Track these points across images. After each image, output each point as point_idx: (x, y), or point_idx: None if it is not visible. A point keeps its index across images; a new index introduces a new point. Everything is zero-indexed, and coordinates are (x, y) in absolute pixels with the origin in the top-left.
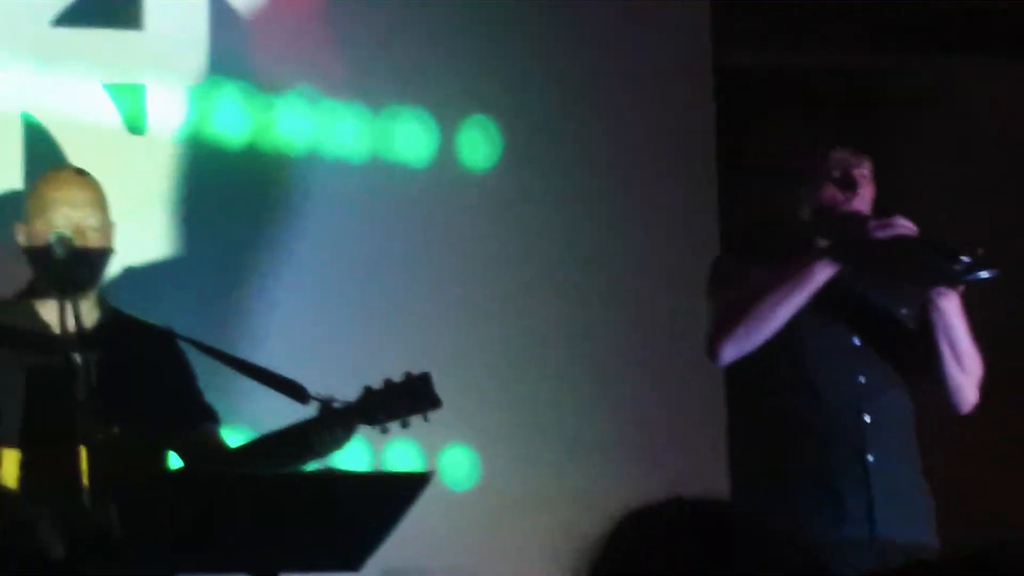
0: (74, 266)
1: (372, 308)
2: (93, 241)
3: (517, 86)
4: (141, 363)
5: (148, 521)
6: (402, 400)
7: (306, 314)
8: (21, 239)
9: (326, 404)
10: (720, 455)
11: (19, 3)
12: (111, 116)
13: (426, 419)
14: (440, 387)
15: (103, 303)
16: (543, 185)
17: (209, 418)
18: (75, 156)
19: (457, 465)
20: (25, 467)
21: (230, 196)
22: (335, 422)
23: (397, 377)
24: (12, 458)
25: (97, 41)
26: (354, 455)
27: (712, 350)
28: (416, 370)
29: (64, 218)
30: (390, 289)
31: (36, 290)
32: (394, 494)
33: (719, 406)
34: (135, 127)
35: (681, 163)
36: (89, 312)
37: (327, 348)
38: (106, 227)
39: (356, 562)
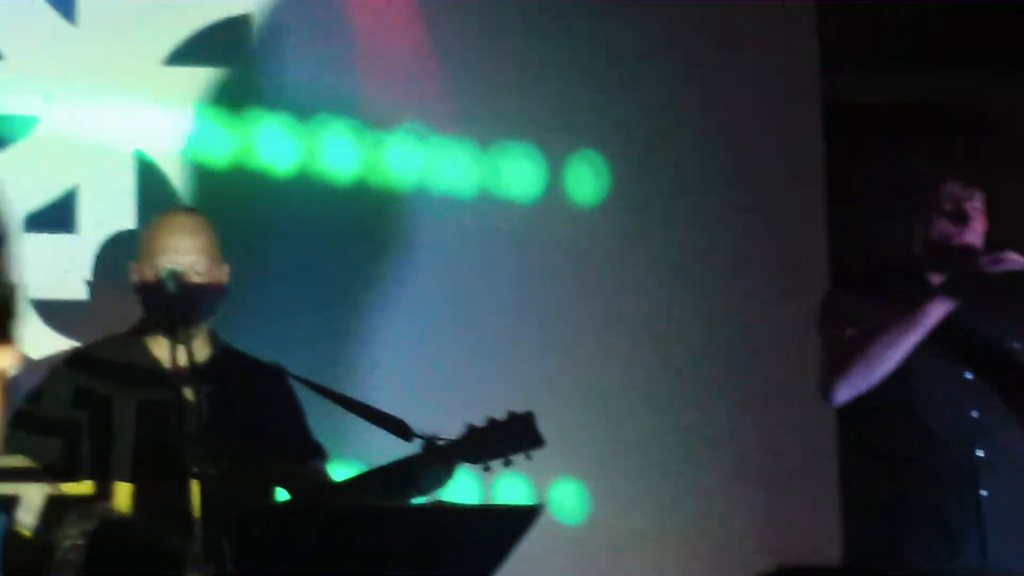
0: (184, 302)
1: (479, 343)
2: (203, 279)
3: (624, 120)
4: (251, 399)
5: (260, 554)
6: (505, 439)
7: (413, 350)
8: (134, 278)
9: (430, 441)
10: (832, 490)
11: (131, 42)
12: (223, 153)
13: (528, 458)
14: (549, 421)
15: (214, 339)
16: (651, 220)
17: (317, 454)
18: (186, 192)
19: (567, 499)
20: (137, 500)
21: (339, 232)
22: (438, 459)
23: (501, 415)
24: (124, 492)
25: (207, 78)
26: (464, 488)
27: (827, 391)
28: (524, 406)
29: (173, 264)
30: (498, 324)
31: (147, 327)
32: (504, 527)
33: (831, 440)
34: (246, 163)
35: (790, 197)
36: (200, 348)
37: (435, 383)
38: (215, 268)
39: None
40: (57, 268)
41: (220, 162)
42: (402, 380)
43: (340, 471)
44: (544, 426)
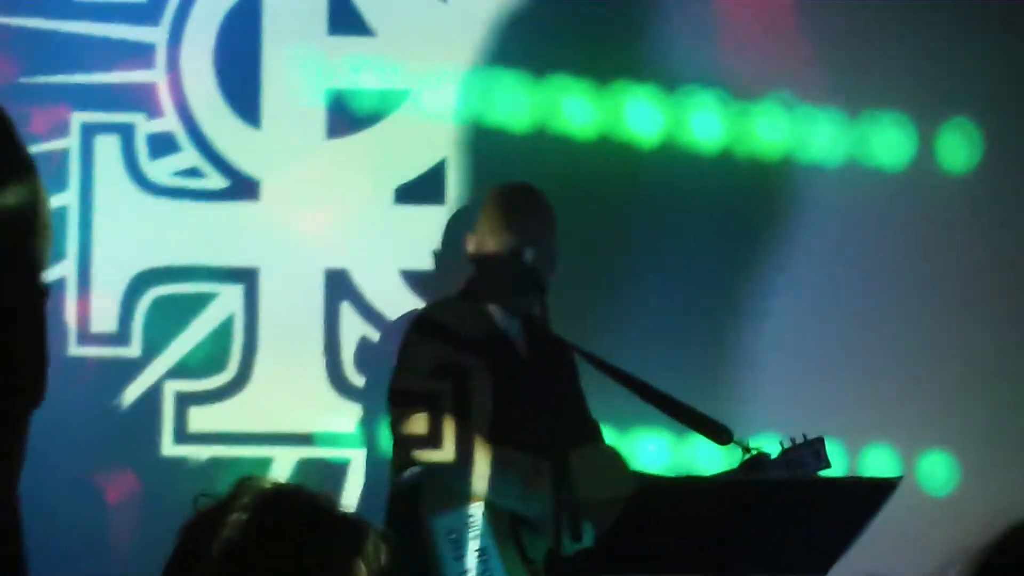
0: (535, 277)
1: (844, 313)
2: (546, 255)
3: (1000, 87)
4: (562, 373)
5: (623, 527)
6: (808, 459)
7: (783, 321)
8: (472, 248)
9: (759, 456)
10: None
11: (497, 16)
12: (589, 125)
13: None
14: (918, 390)
15: (542, 311)
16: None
17: (599, 435)
18: (526, 166)
19: (936, 470)
20: (495, 464)
21: (704, 204)
22: (761, 471)
23: (799, 437)
24: (483, 456)
25: (573, 51)
26: (832, 458)
27: None
28: (888, 377)
29: (523, 240)
30: (864, 293)
31: (482, 296)
32: (862, 499)
33: None
34: (614, 135)
35: None
36: (525, 321)
37: (805, 351)
38: (554, 245)
39: (824, 566)
40: (427, 239)
41: (587, 133)
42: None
43: None
44: (912, 396)
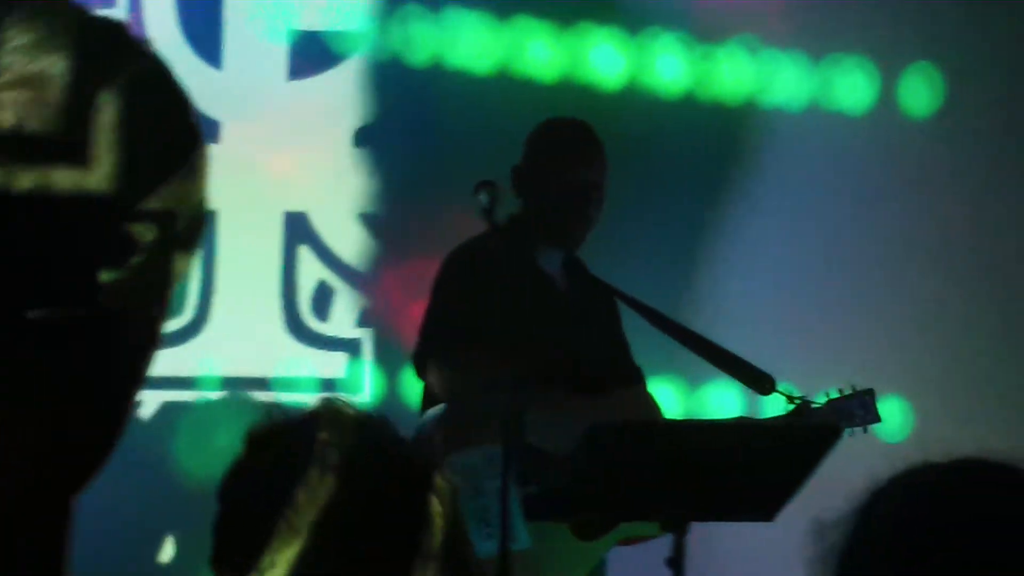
0: (592, 215)
1: (806, 258)
2: (603, 196)
3: (962, 32)
4: (600, 313)
5: (575, 469)
6: (853, 411)
7: (742, 262)
8: (527, 182)
9: (805, 404)
10: None
11: None
12: (551, 67)
13: (865, 431)
14: (876, 337)
15: (575, 255)
16: (986, 131)
17: (641, 378)
18: (490, 106)
19: (891, 415)
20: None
21: (667, 147)
22: (810, 421)
23: (846, 388)
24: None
25: None
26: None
27: None
28: (846, 323)
29: (587, 174)
30: (826, 236)
31: (526, 231)
32: (808, 444)
33: None
34: (577, 77)
35: None
36: (568, 261)
37: (768, 295)
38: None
39: (771, 510)
40: (385, 182)
41: (549, 75)
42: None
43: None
44: (869, 341)
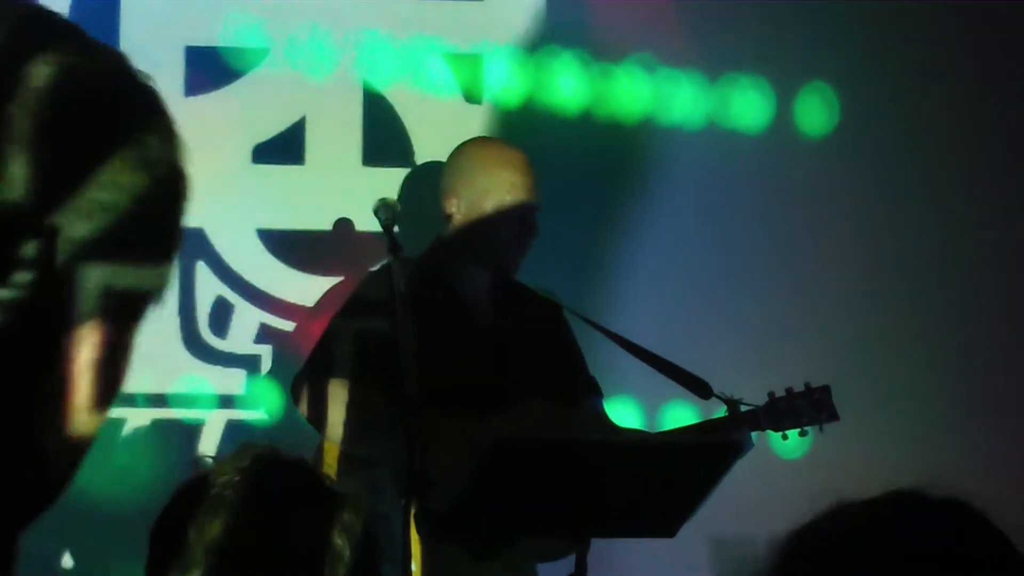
0: (531, 240)
1: (704, 274)
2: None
3: (857, 51)
4: (536, 333)
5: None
6: (804, 410)
7: (642, 277)
8: (455, 209)
9: (735, 406)
10: None
11: None
12: (450, 86)
13: (821, 430)
14: (777, 348)
15: (511, 276)
16: (880, 153)
17: (594, 391)
18: (416, 126)
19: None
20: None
21: (566, 164)
22: (746, 424)
23: (798, 386)
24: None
25: (437, 12)
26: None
27: None
28: (751, 336)
29: (522, 201)
30: (723, 253)
31: (461, 259)
32: (707, 462)
33: None
34: (473, 96)
35: None
36: (500, 283)
37: (665, 310)
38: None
39: (671, 527)
40: (284, 199)
41: (449, 94)
42: (641, 313)
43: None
44: (771, 355)
